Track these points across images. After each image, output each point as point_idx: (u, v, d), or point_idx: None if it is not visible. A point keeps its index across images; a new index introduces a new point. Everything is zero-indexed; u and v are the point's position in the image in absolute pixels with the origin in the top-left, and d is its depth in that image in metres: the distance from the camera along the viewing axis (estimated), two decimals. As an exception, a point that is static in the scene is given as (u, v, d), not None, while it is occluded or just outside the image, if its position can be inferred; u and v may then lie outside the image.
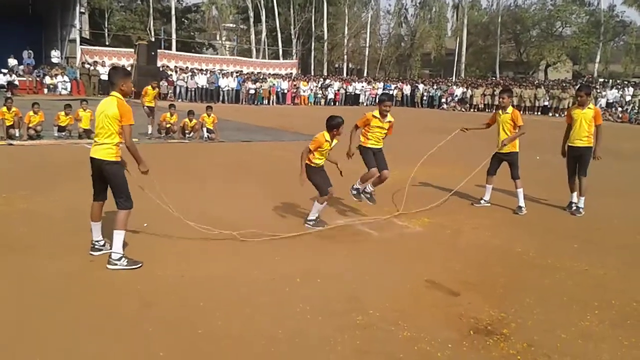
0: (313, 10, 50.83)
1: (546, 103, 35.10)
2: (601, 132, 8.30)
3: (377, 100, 27.61)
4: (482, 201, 8.64)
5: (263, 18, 49.63)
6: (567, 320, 4.57)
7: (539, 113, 34.64)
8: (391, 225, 7.33)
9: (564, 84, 36.81)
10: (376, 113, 7.52)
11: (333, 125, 6.83)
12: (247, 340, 4.01)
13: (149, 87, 16.03)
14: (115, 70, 5.65)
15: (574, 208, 8.31)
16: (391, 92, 40.46)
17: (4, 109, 13.55)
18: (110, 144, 5.29)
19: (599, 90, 34.87)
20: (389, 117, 7.59)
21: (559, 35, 51.86)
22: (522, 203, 8.24)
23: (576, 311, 4.76)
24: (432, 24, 61.40)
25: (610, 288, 5.35)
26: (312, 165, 6.89)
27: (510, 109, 8.26)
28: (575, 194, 8.39)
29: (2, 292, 4.68)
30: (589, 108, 8.26)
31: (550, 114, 33.93)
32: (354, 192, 7.77)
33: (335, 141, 6.93)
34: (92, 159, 5.37)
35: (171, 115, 15.57)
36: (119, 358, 3.71)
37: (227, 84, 34.51)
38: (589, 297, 5.07)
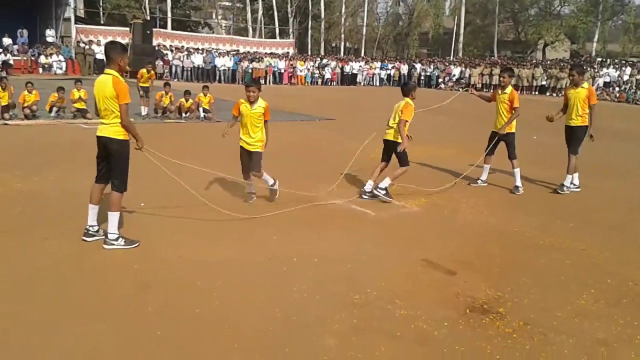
0: (310, -12, 50.35)
1: (544, 83, 35.03)
2: (594, 112, 8.29)
3: (374, 81, 27.11)
4: (479, 181, 8.65)
5: (259, -4, 49.15)
6: (563, 299, 4.60)
7: (537, 92, 34.57)
8: (388, 205, 7.33)
9: (562, 64, 36.69)
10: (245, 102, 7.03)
11: (410, 89, 7.76)
12: (244, 319, 4.02)
13: (144, 70, 15.89)
14: (112, 45, 5.40)
15: (560, 186, 8.30)
16: (389, 72, 40.31)
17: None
18: (117, 123, 5.20)
19: (596, 70, 34.79)
20: (260, 103, 7.00)
21: (557, 14, 51.53)
22: (518, 183, 8.24)
23: (572, 290, 4.79)
24: (430, 3, 60.91)
25: (605, 268, 5.38)
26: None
27: (509, 89, 8.23)
28: (570, 175, 8.38)
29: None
30: (582, 87, 8.25)
31: (548, 94, 33.85)
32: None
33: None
34: (98, 137, 5.28)
35: (166, 93, 15.43)
36: (116, 338, 3.72)
37: (224, 63, 34.25)
38: (585, 277, 5.11)
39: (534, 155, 9.88)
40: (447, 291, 4.65)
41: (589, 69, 34.62)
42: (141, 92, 15.49)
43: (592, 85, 32.48)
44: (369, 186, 7.57)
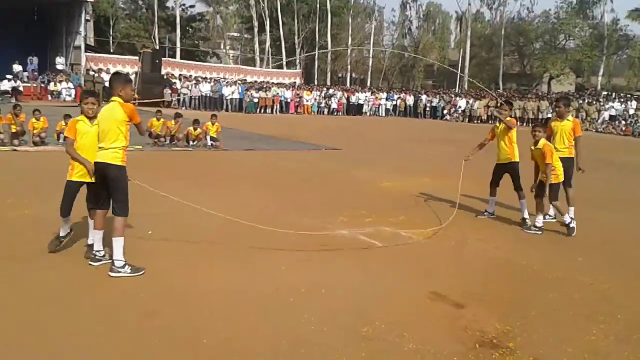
0: (317, 20, 51.09)
1: (550, 115, 35.09)
2: (580, 144, 8.34)
3: (380, 111, 27.20)
4: (485, 213, 8.63)
5: (267, 28, 49.92)
6: (573, 334, 4.55)
7: (543, 125, 34.61)
8: (395, 236, 7.31)
9: (557, 96, 36.83)
10: None
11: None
12: (251, 350, 3.99)
13: (154, 120, 15.35)
14: (115, 75, 5.71)
15: (567, 222, 8.14)
16: (394, 103, 40.65)
17: (11, 115, 13.60)
18: (116, 148, 5.29)
19: (602, 103, 34.92)
20: None
21: (562, 48, 51.99)
22: (526, 215, 8.20)
23: (582, 325, 4.74)
24: (435, 36, 61.72)
25: (615, 302, 5.33)
26: None
27: (507, 119, 8.29)
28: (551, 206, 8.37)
29: (4, 300, 4.66)
30: (567, 120, 8.32)
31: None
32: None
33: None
34: (96, 163, 5.38)
35: (175, 123, 15.57)
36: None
37: (231, 92, 34.59)
38: (595, 311, 5.05)
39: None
40: (456, 325, 4.61)
41: (594, 102, 34.79)
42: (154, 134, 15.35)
43: (598, 118, 32.65)
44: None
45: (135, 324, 4.35)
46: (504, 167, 8.36)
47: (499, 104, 9.52)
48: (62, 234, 5.87)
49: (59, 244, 5.82)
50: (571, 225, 7.76)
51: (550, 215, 8.51)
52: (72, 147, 5.60)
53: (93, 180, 5.52)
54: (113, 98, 5.41)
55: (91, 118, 5.64)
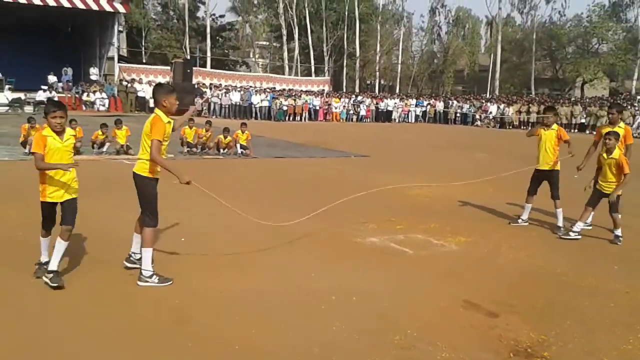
0: (345, 27, 51.15)
1: (583, 120, 34.55)
2: (631, 151, 8.18)
3: (409, 117, 26.80)
4: (519, 220, 8.51)
5: (296, 36, 50.16)
6: (609, 343, 4.46)
7: (576, 130, 34.06)
8: (427, 243, 7.27)
9: (601, 101, 36.19)
10: None
11: None
12: (282, 356, 4.01)
13: (186, 128, 15.68)
14: (158, 86, 5.74)
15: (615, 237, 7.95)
16: (424, 109, 40.47)
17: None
18: (144, 159, 5.37)
19: (637, 108, 34.18)
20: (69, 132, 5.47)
21: (595, 52, 51.07)
22: (560, 223, 8.09)
23: (618, 334, 4.65)
24: (465, 41, 61.26)
25: (653, 311, 5.22)
26: None
27: (555, 126, 8.17)
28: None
29: (35, 306, 4.76)
30: (619, 127, 8.14)
31: (588, 132, 33.31)
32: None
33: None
34: (132, 173, 5.49)
35: (206, 131, 15.81)
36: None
37: (260, 100, 34.87)
38: (631, 320, 4.95)
39: (575, 194, 9.69)
40: (489, 333, 4.56)
41: (629, 107, 34.07)
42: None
43: (633, 123, 31.94)
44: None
45: (168, 330, 4.40)
46: (544, 175, 8.23)
47: (542, 111, 9.29)
48: (43, 260, 5.49)
49: (43, 271, 5.29)
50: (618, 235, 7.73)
51: (586, 223, 8.36)
52: (42, 162, 5.10)
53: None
54: (155, 110, 5.44)
55: (59, 133, 5.20)
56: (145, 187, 5.39)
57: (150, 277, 5.33)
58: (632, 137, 8.28)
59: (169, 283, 5.35)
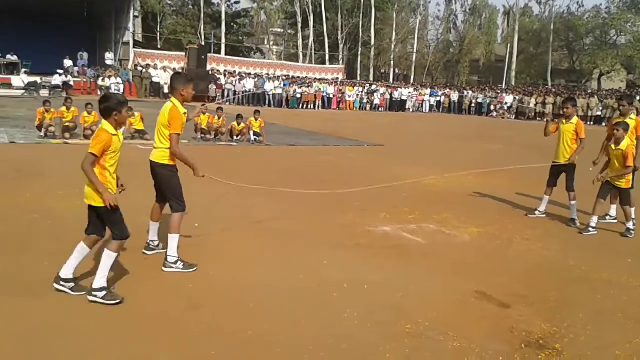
0: (361, 15, 50.88)
1: (599, 113, 34.19)
2: None
3: (423, 107, 26.68)
4: (536, 212, 8.46)
5: (311, 23, 50.00)
6: (621, 337, 4.45)
7: (592, 123, 33.73)
8: (439, 234, 7.26)
9: (619, 94, 35.74)
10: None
11: None
12: (295, 343, 4.04)
13: (200, 114, 15.70)
14: (176, 75, 5.74)
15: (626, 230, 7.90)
16: (438, 99, 40.23)
17: (64, 108, 14.03)
18: (163, 147, 5.37)
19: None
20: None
21: (613, 44, 50.44)
22: (574, 215, 8.03)
23: (631, 328, 4.63)
24: (481, 30, 60.73)
25: (667, 306, 5.18)
26: None
27: (574, 119, 8.08)
28: (613, 207, 8.27)
29: (53, 289, 4.81)
30: (630, 119, 8.07)
31: (604, 124, 32.97)
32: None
33: None
34: (150, 161, 5.49)
35: (218, 118, 15.83)
36: (170, 356, 3.79)
37: (273, 87, 34.84)
38: (645, 315, 4.93)
39: (590, 187, 9.62)
40: (501, 324, 4.56)
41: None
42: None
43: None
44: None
45: (182, 313, 4.45)
46: (561, 167, 8.17)
47: (561, 103, 9.24)
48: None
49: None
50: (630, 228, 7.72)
51: (610, 216, 8.31)
52: (92, 167, 4.59)
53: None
54: (172, 99, 5.42)
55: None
56: (168, 174, 5.41)
57: (175, 262, 5.37)
58: None
59: (193, 269, 5.37)
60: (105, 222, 4.69)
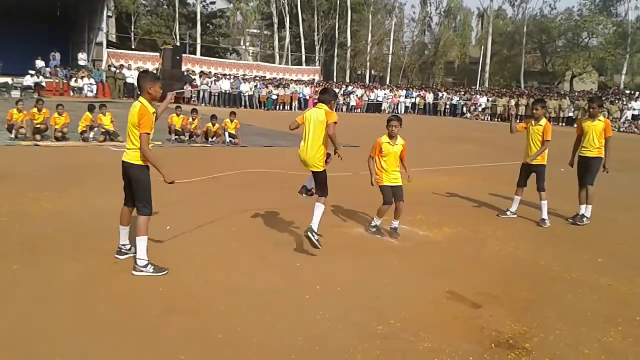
0: (337, 17, 51.00)
1: (571, 114, 34.71)
2: (611, 144, 8.31)
3: (399, 109, 26.98)
4: (508, 212, 8.55)
5: (287, 24, 49.94)
6: (590, 335, 4.51)
7: (564, 124, 34.26)
8: (412, 235, 7.29)
9: (590, 95, 36.36)
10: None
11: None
12: (266, 346, 4.02)
13: (174, 115, 15.63)
14: (143, 74, 5.64)
15: (577, 216, 8.25)
16: (413, 100, 40.49)
17: (35, 109, 13.80)
18: (136, 148, 5.30)
19: (625, 102, 34.40)
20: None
21: (585, 46, 51.36)
22: (545, 215, 8.14)
23: (599, 327, 4.69)
24: (456, 32, 61.30)
25: (634, 304, 5.26)
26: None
27: (543, 121, 8.18)
28: (583, 206, 8.35)
29: (24, 293, 4.73)
30: (599, 120, 8.31)
31: (575, 125, 33.49)
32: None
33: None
34: (122, 162, 5.40)
35: (193, 119, 15.72)
36: (140, 360, 3.74)
37: (249, 89, 34.69)
38: (613, 313, 5.00)
39: (561, 188, 9.77)
40: (472, 324, 4.59)
41: (616, 101, 34.28)
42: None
43: (621, 117, 32.15)
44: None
45: (152, 317, 4.39)
46: (531, 167, 8.28)
47: (531, 104, 9.42)
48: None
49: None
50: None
51: (581, 215, 8.42)
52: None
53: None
54: (140, 98, 5.36)
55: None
56: (142, 176, 5.34)
57: (145, 266, 5.30)
58: (611, 130, 8.43)
59: (164, 273, 5.30)
60: (317, 182, 6.42)
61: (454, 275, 5.79)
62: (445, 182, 10.35)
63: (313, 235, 6.06)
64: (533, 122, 8.25)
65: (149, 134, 5.24)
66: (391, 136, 7.00)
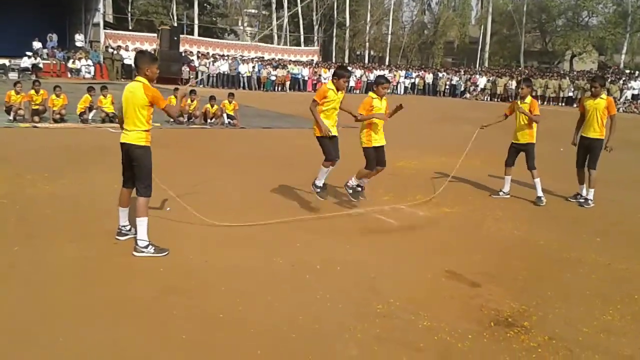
0: (336, -4, 50.50)
1: (571, 94, 34.59)
2: (615, 122, 8.25)
3: (398, 89, 26.73)
4: (500, 193, 8.56)
5: (285, 4, 49.46)
6: (589, 314, 4.54)
7: (563, 104, 34.16)
8: (411, 215, 7.31)
9: (590, 75, 36.20)
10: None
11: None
12: (267, 325, 4.04)
13: (172, 97, 15.61)
14: (141, 54, 5.56)
15: (583, 200, 8.27)
16: (412, 81, 40.29)
17: (32, 91, 13.73)
18: (139, 130, 5.28)
19: (624, 82, 34.26)
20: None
21: (585, 25, 50.97)
22: (540, 193, 8.17)
23: (598, 305, 4.73)
24: (456, 12, 60.75)
25: (632, 282, 5.30)
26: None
27: (528, 99, 8.19)
28: (584, 186, 8.36)
29: (23, 275, 4.75)
30: (601, 98, 8.21)
31: (575, 105, 33.37)
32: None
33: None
34: (121, 144, 5.38)
35: (191, 101, 15.65)
36: (140, 342, 3.76)
37: (247, 70, 34.49)
38: (611, 292, 5.03)
39: (561, 167, 9.77)
40: (471, 303, 4.62)
41: (617, 80, 34.14)
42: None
43: (620, 97, 32.03)
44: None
45: (153, 297, 4.42)
46: (520, 147, 8.29)
47: (518, 82, 9.44)
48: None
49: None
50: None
51: (581, 196, 8.41)
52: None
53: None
54: (138, 78, 5.32)
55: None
56: (145, 158, 5.35)
57: (146, 247, 5.31)
58: (615, 109, 8.34)
59: (165, 253, 5.31)
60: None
61: (453, 255, 5.81)
62: (444, 163, 10.34)
63: (315, 188, 7.10)
64: (519, 102, 8.26)
65: (167, 104, 5.39)
66: (380, 96, 7.58)
